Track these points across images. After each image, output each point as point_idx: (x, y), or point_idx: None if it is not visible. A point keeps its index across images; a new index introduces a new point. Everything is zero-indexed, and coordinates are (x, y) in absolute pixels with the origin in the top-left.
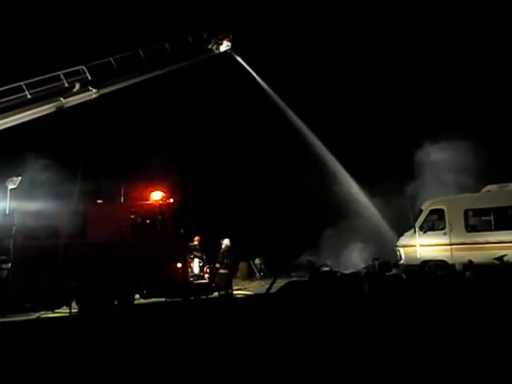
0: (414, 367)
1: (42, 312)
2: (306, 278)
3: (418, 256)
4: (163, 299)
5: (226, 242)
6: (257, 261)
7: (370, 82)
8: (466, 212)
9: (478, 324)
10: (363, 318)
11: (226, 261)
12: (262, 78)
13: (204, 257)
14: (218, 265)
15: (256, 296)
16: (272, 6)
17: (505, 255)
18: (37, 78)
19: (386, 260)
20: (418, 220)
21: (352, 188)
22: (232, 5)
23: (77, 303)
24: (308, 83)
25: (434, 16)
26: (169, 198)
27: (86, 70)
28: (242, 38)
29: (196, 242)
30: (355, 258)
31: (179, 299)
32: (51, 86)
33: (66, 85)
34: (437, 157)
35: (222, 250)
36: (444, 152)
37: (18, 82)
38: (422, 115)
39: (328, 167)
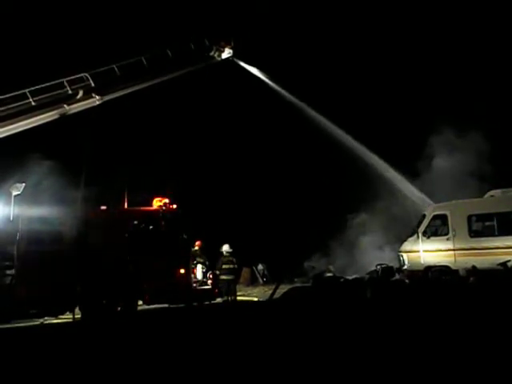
0: (416, 372)
1: (46, 318)
2: (309, 284)
3: (422, 261)
4: (166, 305)
5: (225, 247)
6: (259, 266)
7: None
8: (469, 217)
9: (481, 329)
10: (366, 323)
11: (223, 267)
12: (268, 78)
13: (207, 262)
14: (217, 271)
15: (259, 302)
16: (272, 5)
17: (509, 261)
18: (41, 85)
19: (389, 266)
20: (422, 225)
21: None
22: (233, 6)
23: (80, 309)
24: (315, 77)
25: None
26: (171, 204)
27: (89, 77)
28: (244, 40)
29: (197, 248)
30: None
31: (182, 305)
32: (55, 93)
33: (70, 92)
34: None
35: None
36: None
37: (23, 89)
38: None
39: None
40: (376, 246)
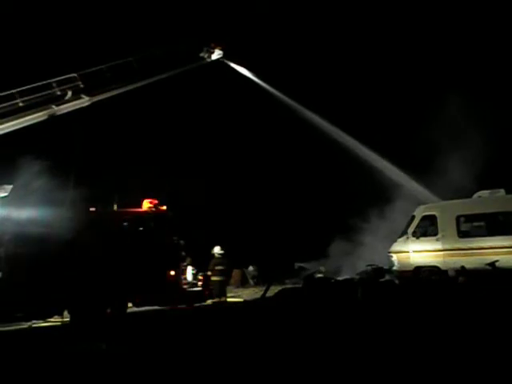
0: (408, 371)
1: (34, 321)
2: (299, 285)
3: (411, 262)
4: (156, 307)
5: (216, 249)
6: (250, 268)
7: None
8: (458, 218)
9: (470, 328)
10: (357, 323)
11: (216, 268)
12: (258, 78)
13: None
14: (209, 272)
15: (249, 303)
16: (272, 5)
17: (497, 261)
18: (29, 86)
19: (379, 266)
20: (411, 226)
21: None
22: (224, 7)
23: (69, 312)
24: (309, 74)
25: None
26: (161, 205)
27: (78, 78)
28: (239, 40)
29: None
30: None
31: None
32: (43, 93)
33: (58, 92)
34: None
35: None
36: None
37: (10, 89)
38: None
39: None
40: (368, 247)
